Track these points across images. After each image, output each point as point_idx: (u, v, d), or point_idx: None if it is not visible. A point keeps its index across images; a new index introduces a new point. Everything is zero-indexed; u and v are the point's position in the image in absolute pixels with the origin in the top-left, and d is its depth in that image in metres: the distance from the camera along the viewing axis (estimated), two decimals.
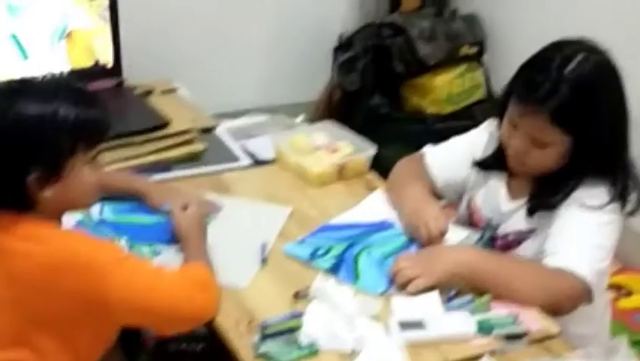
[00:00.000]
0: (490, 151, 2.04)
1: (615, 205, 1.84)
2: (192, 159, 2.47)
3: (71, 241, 1.60)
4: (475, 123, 3.39)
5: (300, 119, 3.44)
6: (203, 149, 2.50)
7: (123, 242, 1.89)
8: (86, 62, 2.61)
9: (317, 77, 3.65)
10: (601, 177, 1.85)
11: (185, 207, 1.93)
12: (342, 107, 3.52)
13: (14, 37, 2.48)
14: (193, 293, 1.65)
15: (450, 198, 2.18)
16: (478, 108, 3.48)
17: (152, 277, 1.64)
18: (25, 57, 2.51)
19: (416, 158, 2.18)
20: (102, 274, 1.54)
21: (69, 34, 2.55)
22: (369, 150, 2.32)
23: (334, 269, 1.87)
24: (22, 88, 1.57)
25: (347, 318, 1.67)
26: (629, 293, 3.01)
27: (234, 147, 2.60)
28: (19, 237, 1.55)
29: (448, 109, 3.41)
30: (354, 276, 1.85)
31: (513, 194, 1.98)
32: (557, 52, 1.81)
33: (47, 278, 1.52)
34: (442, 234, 1.90)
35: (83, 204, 1.72)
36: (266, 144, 3.01)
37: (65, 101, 1.54)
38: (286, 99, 3.59)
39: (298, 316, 1.69)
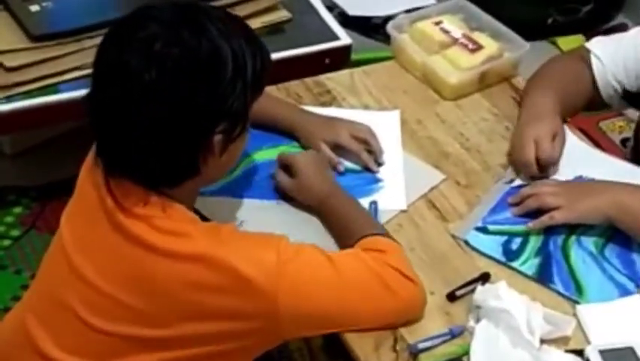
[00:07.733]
0: None
1: None
2: (275, 33, 1.99)
3: (221, 245, 1.15)
4: None
5: None
6: (290, 18, 2.01)
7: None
8: None
9: None
10: None
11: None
12: None
13: None
14: (391, 283, 1.23)
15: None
16: None
17: (332, 277, 1.20)
18: None
19: (574, 57, 1.67)
20: (268, 292, 1.15)
21: None
22: (520, 48, 1.75)
23: (544, 275, 1.37)
24: (196, 17, 1.14)
25: (529, 345, 1.21)
26: None
27: (328, 16, 2.05)
28: (160, 229, 1.15)
29: None
30: (575, 287, 1.35)
31: None
32: None
33: (193, 299, 1.16)
34: (546, 162, 1.50)
35: (221, 177, 1.34)
36: None
37: (240, 38, 1.16)
38: None
39: (460, 332, 1.27)
